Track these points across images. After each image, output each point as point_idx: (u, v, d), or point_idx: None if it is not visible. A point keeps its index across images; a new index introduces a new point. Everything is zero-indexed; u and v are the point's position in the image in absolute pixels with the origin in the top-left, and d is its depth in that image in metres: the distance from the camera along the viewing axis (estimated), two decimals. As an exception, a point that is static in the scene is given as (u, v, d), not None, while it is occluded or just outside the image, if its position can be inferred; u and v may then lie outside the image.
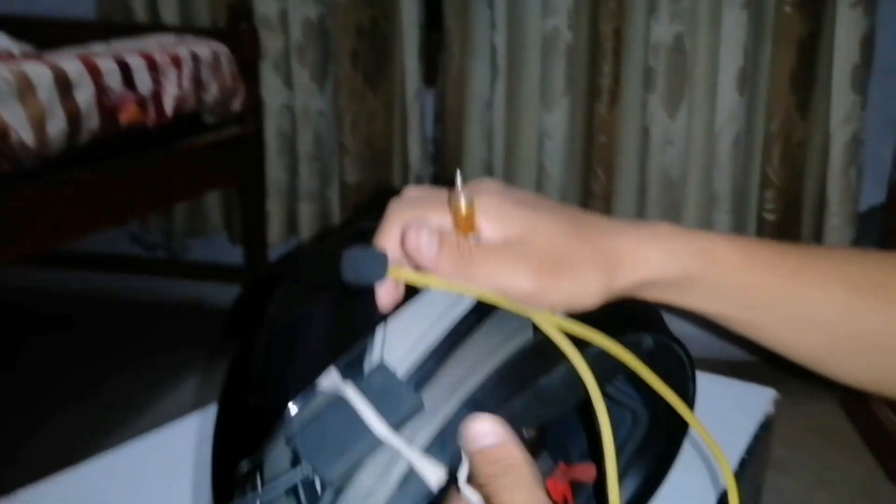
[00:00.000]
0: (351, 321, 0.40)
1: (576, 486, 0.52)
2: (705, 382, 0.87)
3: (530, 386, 0.38)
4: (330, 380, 0.37)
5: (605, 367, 0.40)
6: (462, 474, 0.35)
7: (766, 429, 0.79)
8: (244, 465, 0.37)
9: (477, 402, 0.37)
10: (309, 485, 0.36)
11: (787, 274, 0.42)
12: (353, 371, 0.37)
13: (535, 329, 0.39)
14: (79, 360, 1.62)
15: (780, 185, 1.42)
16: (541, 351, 0.39)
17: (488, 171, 1.54)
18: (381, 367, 0.36)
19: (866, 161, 1.41)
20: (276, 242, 1.67)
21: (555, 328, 0.38)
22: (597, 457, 0.53)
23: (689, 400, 0.50)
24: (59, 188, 1.08)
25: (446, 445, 0.36)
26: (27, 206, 1.04)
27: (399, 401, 0.34)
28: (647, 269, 0.39)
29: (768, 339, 0.44)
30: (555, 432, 0.54)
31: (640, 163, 1.48)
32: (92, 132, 1.09)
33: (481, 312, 0.39)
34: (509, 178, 1.52)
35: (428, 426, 0.36)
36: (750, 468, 0.73)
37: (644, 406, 0.50)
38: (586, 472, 0.51)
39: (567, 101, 1.47)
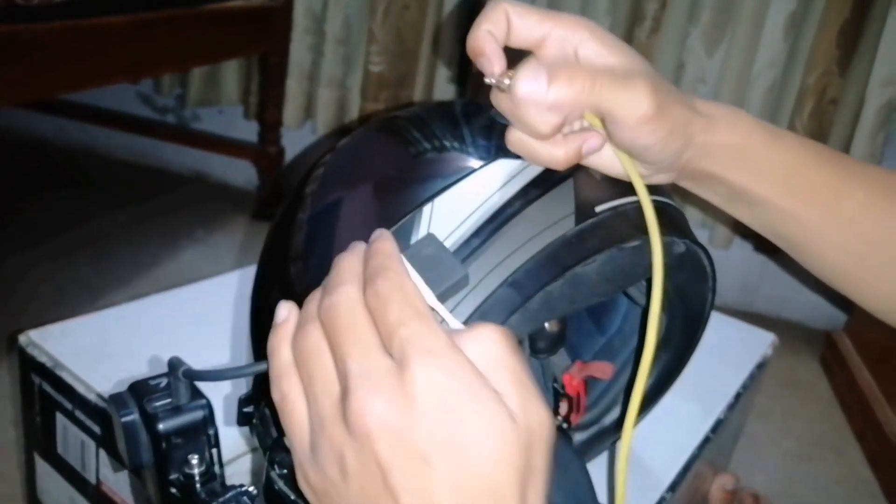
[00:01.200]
0: (399, 198, 0.41)
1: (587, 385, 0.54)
2: (715, 320, 0.89)
3: (567, 273, 0.39)
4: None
5: (633, 267, 0.42)
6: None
7: (761, 368, 0.81)
8: None
9: (518, 283, 0.38)
10: None
11: (835, 171, 0.43)
12: (401, 240, 0.37)
13: (577, 219, 0.40)
14: (78, 215, 1.61)
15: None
16: (581, 240, 0.40)
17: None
18: (430, 236, 0.36)
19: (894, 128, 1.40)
20: (291, 125, 1.64)
21: (634, 171, 0.39)
22: (610, 357, 0.55)
23: (707, 308, 0.52)
24: (82, 29, 1.05)
25: (486, 321, 0.36)
26: (46, 43, 1.00)
27: (446, 270, 0.34)
28: (719, 126, 0.41)
29: (806, 237, 0.44)
30: (570, 335, 0.56)
31: (670, 97, 1.45)
32: (124, -23, 1.05)
33: (527, 196, 0.40)
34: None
35: (469, 299, 0.37)
36: (741, 402, 0.75)
37: (663, 310, 0.50)
38: (602, 369, 0.53)
39: (608, 20, 1.43)
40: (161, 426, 0.36)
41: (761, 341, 0.84)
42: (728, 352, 0.81)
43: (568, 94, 0.37)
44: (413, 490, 0.28)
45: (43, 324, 0.63)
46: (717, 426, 0.68)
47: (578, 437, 0.55)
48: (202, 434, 0.38)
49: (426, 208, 0.39)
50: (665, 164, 0.41)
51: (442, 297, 0.35)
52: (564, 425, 0.51)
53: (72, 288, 1.32)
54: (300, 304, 0.33)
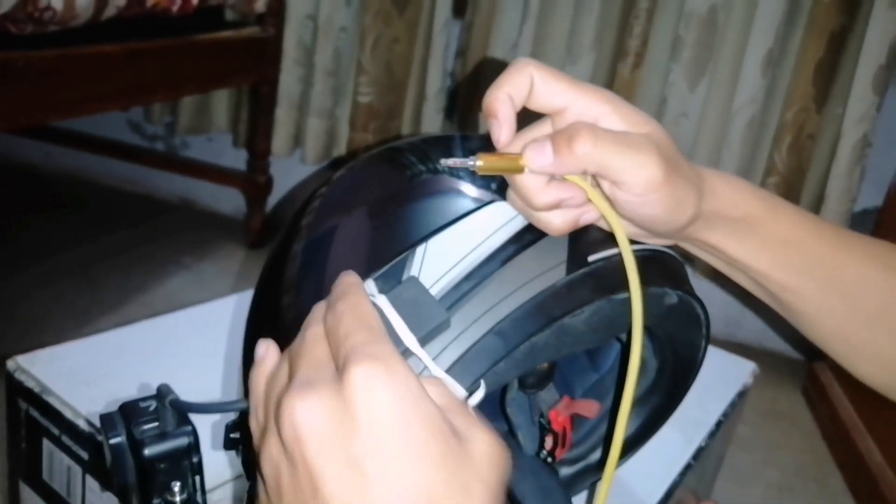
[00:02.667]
0: (393, 235, 0.41)
1: (576, 421, 0.55)
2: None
3: (555, 323, 0.39)
4: (368, 287, 0.38)
5: (621, 317, 0.41)
6: None
7: (742, 396, 0.82)
8: None
9: (503, 332, 0.38)
10: None
11: (834, 243, 0.43)
12: (389, 283, 0.38)
13: (569, 268, 0.40)
14: (65, 241, 1.61)
15: (784, 174, 1.44)
16: (570, 291, 0.40)
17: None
18: (412, 280, 0.36)
19: (869, 163, 1.43)
20: (280, 153, 1.66)
21: (616, 222, 0.38)
22: (601, 394, 0.56)
23: (699, 356, 0.52)
24: (75, 58, 1.06)
25: (469, 369, 0.37)
26: (39, 71, 1.01)
27: (428, 315, 0.35)
28: (721, 200, 0.40)
29: (803, 307, 0.44)
30: (563, 368, 0.56)
31: (653, 130, 1.48)
32: (118, 8, 1.07)
33: (520, 242, 0.40)
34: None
35: (454, 347, 0.37)
36: (722, 431, 0.77)
37: (654, 356, 0.51)
38: (589, 407, 0.54)
39: (593, 56, 1.46)
40: (146, 451, 0.37)
41: (742, 370, 0.86)
42: (709, 380, 0.81)
43: (570, 161, 0.36)
44: (345, 499, 0.26)
45: (29, 349, 0.63)
46: (699, 453, 0.69)
47: (565, 471, 0.56)
48: (186, 461, 0.38)
49: (419, 249, 0.39)
50: (668, 234, 0.41)
51: (423, 342, 0.35)
52: (549, 459, 0.51)
53: (58, 313, 1.32)
54: (291, 335, 0.34)
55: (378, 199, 0.44)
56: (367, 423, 0.27)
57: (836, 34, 1.36)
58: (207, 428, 0.52)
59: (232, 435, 0.44)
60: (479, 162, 0.37)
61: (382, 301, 0.36)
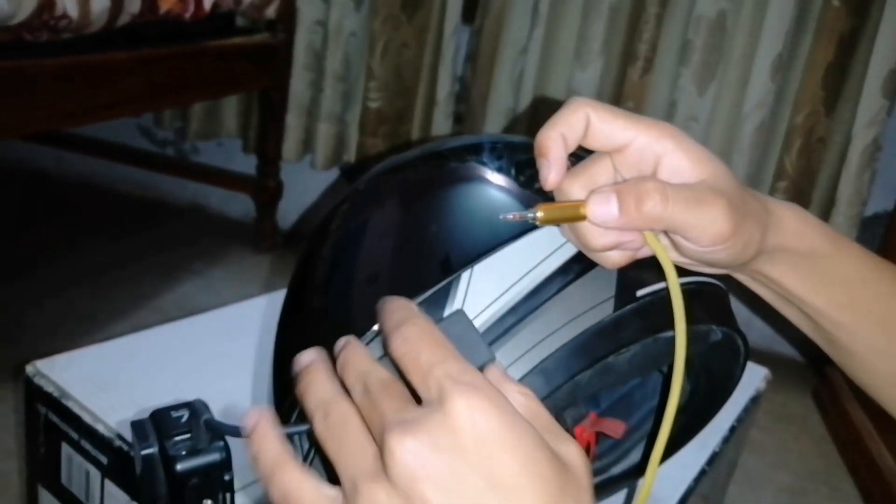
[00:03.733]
0: (433, 257, 0.40)
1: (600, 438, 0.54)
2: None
3: (600, 363, 0.38)
4: None
5: (665, 355, 0.40)
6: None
7: (755, 402, 0.82)
8: None
9: (546, 370, 0.37)
10: None
11: (893, 284, 0.43)
12: (433, 308, 0.37)
13: (616, 303, 0.39)
14: (77, 246, 1.62)
15: (794, 178, 1.44)
16: (617, 330, 0.39)
17: (512, 119, 1.55)
18: (460, 313, 0.35)
19: (879, 167, 1.43)
20: (290, 158, 1.67)
21: (675, 282, 0.37)
22: (627, 408, 0.56)
23: (733, 384, 0.52)
24: (88, 65, 1.07)
25: None
26: (53, 78, 1.03)
27: (473, 352, 0.33)
28: (787, 233, 0.39)
29: (857, 348, 0.43)
30: None
31: (662, 134, 1.49)
32: (132, 15, 1.08)
33: (569, 273, 0.39)
34: (532, 130, 1.52)
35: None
36: (736, 434, 0.77)
37: (688, 380, 0.51)
38: (615, 428, 0.53)
39: (602, 61, 1.46)
40: (179, 467, 0.36)
41: (755, 375, 0.86)
42: (722, 385, 0.82)
43: (637, 220, 0.35)
44: None
45: (41, 355, 0.63)
46: (713, 459, 0.69)
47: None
48: (218, 477, 0.38)
49: (464, 276, 0.38)
50: (728, 269, 0.40)
51: None
52: None
53: (70, 319, 1.33)
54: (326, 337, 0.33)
55: (414, 222, 0.42)
56: (480, 455, 0.27)
57: (845, 37, 1.36)
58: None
59: None
60: (540, 213, 0.35)
61: None
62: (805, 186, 1.46)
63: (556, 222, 0.37)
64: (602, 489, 0.56)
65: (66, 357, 0.63)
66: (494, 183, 0.42)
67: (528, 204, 0.39)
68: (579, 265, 0.39)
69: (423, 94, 1.62)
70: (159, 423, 0.37)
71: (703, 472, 0.66)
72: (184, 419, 0.37)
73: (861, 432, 1.26)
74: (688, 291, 0.38)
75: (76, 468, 0.59)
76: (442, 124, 1.59)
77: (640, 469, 0.55)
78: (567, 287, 0.39)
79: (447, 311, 0.37)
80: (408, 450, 0.27)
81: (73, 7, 0.96)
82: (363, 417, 0.29)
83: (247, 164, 1.77)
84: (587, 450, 0.52)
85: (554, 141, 0.36)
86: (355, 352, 0.32)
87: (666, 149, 0.36)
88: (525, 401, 0.30)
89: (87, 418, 0.57)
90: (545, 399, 0.37)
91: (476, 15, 1.56)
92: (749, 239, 0.37)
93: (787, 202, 0.41)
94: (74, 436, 0.58)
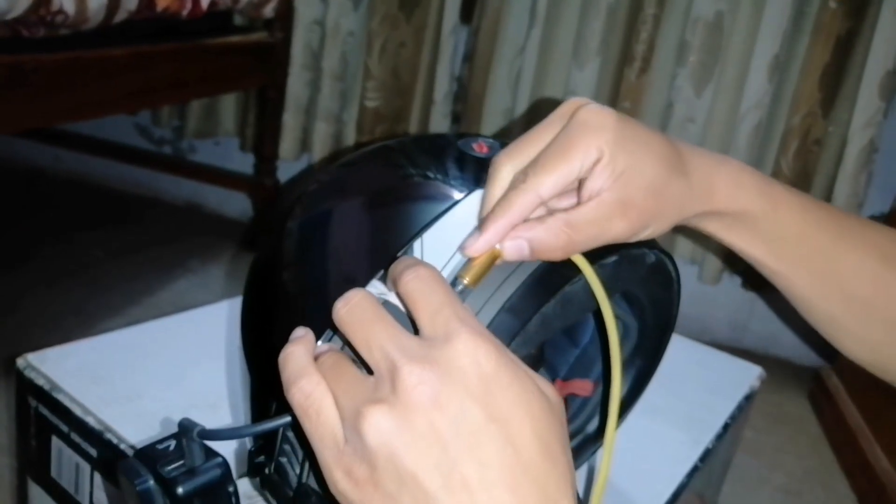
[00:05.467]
0: (389, 228, 0.42)
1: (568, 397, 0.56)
2: (701, 353, 0.91)
3: (559, 293, 0.40)
4: (374, 288, 0.39)
5: (614, 280, 0.43)
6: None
7: (749, 400, 0.82)
8: None
9: (514, 307, 0.39)
10: None
11: (835, 234, 0.45)
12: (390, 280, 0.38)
13: None
14: (73, 243, 1.62)
15: (791, 179, 1.44)
16: (564, 263, 0.41)
17: (509, 119, 1.55)
18: None
19: (876, 169, 1.43)
20: (287, 157, 1.67)
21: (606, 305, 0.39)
22: (586, 368, 0.57)
23: (674, 313, 0.54)
24: (85, 61, 1.07)
25: None
26: (50, 74, 1.02)
27: None
28: (717, 199, 0.42)
29: (798, 293, 0.46)
30: (545, 353, 0.57)
31: (659, 135, 1.49)
32: (129, 12, 1.08)
33: None
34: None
35: None
36: (730, 433, 0.76)
37: (635, 319, 0.53)
38: (583, 386, 0.55)
39: (599, 61, 1.46)
40: (181, 489, 0.35)
41: (749, 374, 0.86)
42: (716, 383, 0.82)
43: (551, 257, 0.38)
44: (476, 458, 0.28)
45: (34, 350, 0.63)
46: (706, 455, 0.69)
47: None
48: (222, 492, 0.37)
49: (415, 245, 0.40)
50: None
51: None
52: None
53: (65, 315, 1.32)
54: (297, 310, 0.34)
55: (366, 203, 0.44)
56: (483, 390, 0.29)
57: (842, 39, 1.36)
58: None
59: (258, 460, 0.43)
60: (467, 281, 0.37)
61: (395, 299, 0.36)
62: (801, 187, 1.45)
63: (483, 276, 0.39)
64: (582, 449, 0.56)
65: (58, 350, 0.63)
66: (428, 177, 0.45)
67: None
68: None
69: (421, 94, 1.62)
70: (148, 458, 0.36)
71: (695, 469, 0.66)
72: (171, 448, 0.37)
73: (856, 433, 1.26)
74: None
75: (66, 461, 0.59)
76: (439, 124, 1.59)
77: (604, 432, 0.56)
78: None
79: None
80: (421, 380, 0.29)
81: (69, 3, 0.96)
82: (358, 344, 0.32)
83: (244, 163, 1.77)
84: None
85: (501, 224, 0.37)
86: (357, 307, 0.33)
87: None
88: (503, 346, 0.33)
89: (77, 411, 0.57)
90: (518, 335, 0.39)
91: (474, 14, 1.56)
92: (658, 229, 0.40)
93: (727, 161, 0.43)
94: (65, 429, 0.58)
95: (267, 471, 0.39)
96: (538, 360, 0.53)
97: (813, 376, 1.48)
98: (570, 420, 0.56)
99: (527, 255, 0.37)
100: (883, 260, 0.45)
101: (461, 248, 0.38)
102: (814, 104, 1.40)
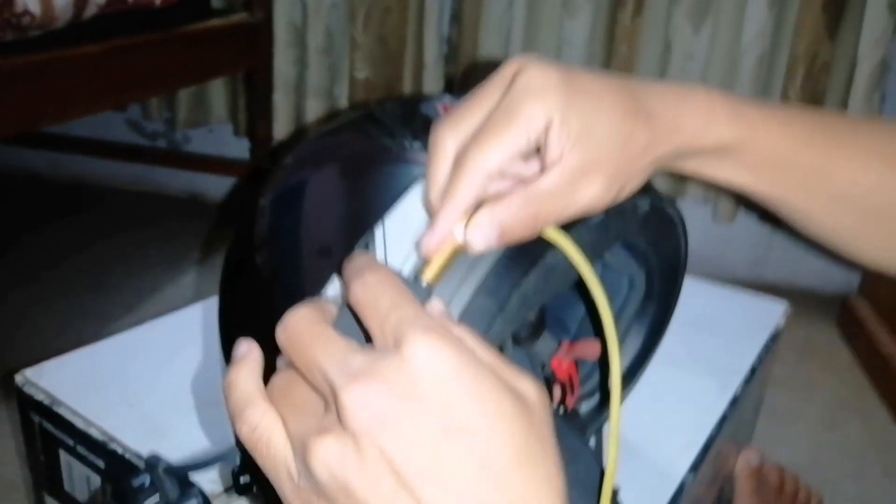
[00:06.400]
0: (355, 206, 0.39)
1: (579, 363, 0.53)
2: (722, 294, 0.88)
3: (539, 264, 0.37)
4: (335, 288, 0.36)
5: (601, 238, 0.41)
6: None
7: (775, 339, 0.79)
8: None
9: (490, 289, 0.36)
10: None
11: (824, 147, 0.41)
12: None
13: None
14: (77, 245, 1.61)
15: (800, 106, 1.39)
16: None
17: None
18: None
19: (888, 89, 1.37)
20: (282, 137, 1.63)
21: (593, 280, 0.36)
22: (597, 329, 0.54)
23: (683, 256, 0.52)
24: (62, 62, 1.04)
25: None
26: (24, 77, 0.99)
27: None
28: (682, 135, 0.38)
29: (794, 214, 0.44)
30: (553, 310, 0.55)
31: (660, 76, 1.44)
32: (98, 6, 1.04)
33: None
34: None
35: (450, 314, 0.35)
36: (758, 375, 0.74)
37: (640, 267, 0.50)
38: (589, 348, 0.52)
39: (590, 7, 1.41)
40: None
41: (773, 311, 0.83)
42: (740, 325, 0.79)
43: (521, 238, 0.35)
44: (436, 478, 0.25)
45: (49, 355, 0.62)
46: (735, 402, 0.66)
47: (583, 407, 0.54)
48: None
49: (377, 233, 0.37)
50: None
51: None
52: (561, 411, 0.49)
53: (75, 318, 1.31)
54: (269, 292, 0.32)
55: (338, 165, 0.42)
56: (440, 399, 0.26)
57: (843, -46, 1.30)
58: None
59: (243, 480, 0.41)
60: (428, 277, 0.33)
61: None
62: (812, 114, 1.40)
63: (445, 270, 0.35)
64: (601, 410, 0.54)
65: (56, 362, 0.62)
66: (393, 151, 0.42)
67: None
68: None
69: (411, 60, 1.57)
70: (125, 495, 0.35)
71: (724, 418, 0.64)
72: (146, 483, 0.35)
73: (889, 358, 1.22)
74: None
75: (77, 475, 0.57)
76: (433, 87, 1.55)
77: (626, 385, 0.55)
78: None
79: None
80: (364, 401, 0.25)
81: (34, 3, 0.92)
82: (303, 367, 0.28)
83: (240, 148, 1.74)
84: (570, 381, 0.50)
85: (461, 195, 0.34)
86: (295, 323, 0.30)
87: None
88: (471, 340, 0.29)
89: (79, 424, 0.55)
90: (497, 317, 0.36)
91: (456, -29, 1.50)
92: (634, 184, 0.37)
93: (693, 92, 0.39)
94: (70, 442, 0.56)
95: (253, 489, 0.37)
96: (540, 323, 0.50)
97: (840, 304, 1.45)
98: (581, 382, 0.53)
99: (494, 242, 0.34)
100: (886, 162, 0.42)
101: (417, 246, 0.35)
102: (819, 27, 1.34)
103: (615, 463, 0.37)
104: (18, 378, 0.60)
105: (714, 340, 0.75)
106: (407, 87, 1.59)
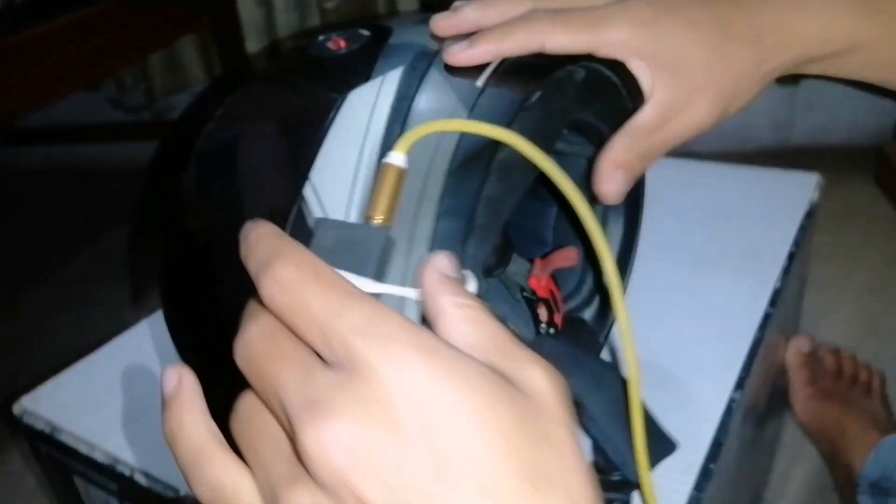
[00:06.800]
0: (273, 184, 0.34)
1: (558, 277, 0.48)
2: (747, 177, 0.81)
3: (493, 165, 0.32)
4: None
5: (551, 118, 0.37)
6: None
7: (811, 217, 0.73)
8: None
9: (452, 207, 0.31)
10: None
11: None
12: (301, 239, 0.31)
13: (466, 104, 0.33)
14: (88, 235, 1.58)
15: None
16: (489, 117, 0.33)
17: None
18: (320, 222, 0.29)
19: None
20: (263, 87, 1.56)
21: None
22: (570, 233, 0.49)
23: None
24: (12, 48, 0.98)
25: None
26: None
27: (364, 246, 0.27)
28: (805, 44, 0.37)
29: None
30: (517, 229, 0.49)
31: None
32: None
33: (401, 109, 0.33)
34: None
35: (414, 257, 0.30)
36: (797, 259, 0.68)
37: (595, 149, 0.44)
38: (566, 257, 0.47)
39: None
40: None
41: (804, 186, 0.76)
42: (771, 208, 0.73)
43: (640, 170, 0.38)
44: None
45: (67, 362, 0.60)
46: (776, 298, 0.61)
47: (587, 314, 0.50)
48: None
49: (307, 191, 0.32)
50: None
51: (379, 276, 0.28)
52: (552, 330, 0.44)
53: (94, 313, 1.30)
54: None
55: (248, 159, 0.36)
56: (420, 426, 0.20)
57: None
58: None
59: None
60: (380, 217, 0.28)
61: None
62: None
63: (395, 200, 0.29)
64: (605, 317, 0.49)
65: (51, 386, 0.58)
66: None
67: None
68: (406, 100, 0.33)
69: (380, -22, 1.47)
70: None
71: (767, 317, 0.59)
72: None
73: (936, 205, 1.15)
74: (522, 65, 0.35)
75: (96, 499, 0.55)
76: (409, 5, 1.45)
77: (623, 275, 0.49)
78: (406, 124, 0.33)
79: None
80: (326, 440, 0.20)
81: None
82: (261, 393, 0.23)
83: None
84: (553, 298, 0.45)
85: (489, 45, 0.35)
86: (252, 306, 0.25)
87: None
88: (466, 314, 0.23)
89: (83, 448, 0.52)
90: (470, 237, 0.31)
91: None
92: (741, 102, 0.37)
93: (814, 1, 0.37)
94: (80, 467, 0.54)
95: None
96: (506, 247, 0.45)
97: (876, 155, 1.36)
98: (571, 296, 0.49)
99: (627, 186, 0.37)
100: None
101: (444, 54, 0.34)
102: None
103: (636, 368, 0.32)
104: (16, 409, 0.57)
105: (744, 230, 0.69)
106: (382, 8, 1.49)
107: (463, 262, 0.30)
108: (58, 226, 1.65)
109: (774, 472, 0.85)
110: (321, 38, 0.38)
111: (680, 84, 0.35)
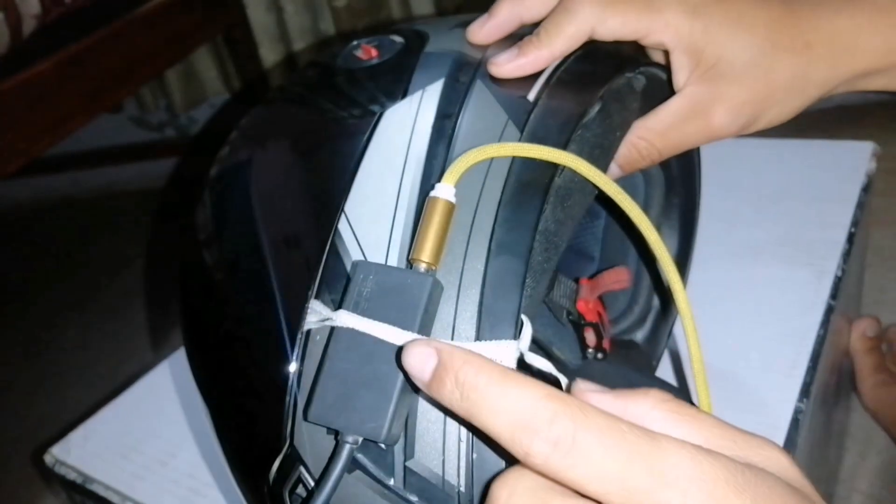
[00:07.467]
0: (305, 220, 0.30)
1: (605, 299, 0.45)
2: (800, 149, 0.75)
3: (550, 191, 0.28)
4: (315, 316, 0.28)
5: (607, 136, 0.33)
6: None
7: (867, 190, 0.68)
8: (277, 468, 0.29)
9: (503, 244, 0.27)
10: (370, 448, 0.27)
11: None
12: (336, 287, 0.27)
13: (515, 120, 0.29)
14: (123, 260, 1.58)
15: None
16: (540, 140, 0.29)
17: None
18: (363, 266, 0.26)
19: None
20: (282, 92, 1.54)
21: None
22: (624, 253, 0.45)
23: None
24: (27, 82, 0.97)
25: (499, 314, 0.26)
26: (9, 104, 0.93)
27: (409, 292, 0.25)
28: (866, 58, 0.34)
29: None
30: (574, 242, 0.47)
31: None
32: (36, 17, 0.95)
33: (444, 130, 0.29)
34: None
35: (465, 302, 0.26)
36: (858, 238, 0.63)
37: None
38: (617, 279, 0.44)
39: None
40: None
41: (858, 155, 0.70)
42: (824, 185, 0.67)
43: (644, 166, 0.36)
44: None
45: (96, 399, 0.58)
46: (837, 287, 0.56)
47: (639, 335, 0.47)
48: None
49: (342, 225, 0.28)
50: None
51: (425, 327, 0.25)
52: (600, 356, 0.41)
53: (134, 336, 1.30)
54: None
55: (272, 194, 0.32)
56: None
57: None
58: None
59: None
60: (426, 259, 0.26)
61: (346, 317, 0.26)
62: None
63: (444, 241, 0.27)
64: (657, 335, 0.47)
65: (81, 433, 0.57)
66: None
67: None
68: (448, 119, 0.30)
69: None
70: None
71: (830, 310, 0.54)
72: None
73: None
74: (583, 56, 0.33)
75: (134, 547, 0.53)
76: (421, 4, 1.41)
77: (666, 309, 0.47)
78: (452, 145, 0.29)
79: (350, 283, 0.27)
80: None
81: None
82: None
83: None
84: (600, 321, 0.42)
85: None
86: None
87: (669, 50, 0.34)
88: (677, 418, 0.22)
89: (115, 499, 0.50)
90: (528, 275, 0.27)
91: None
92: (778, 115, 0.35)
93: (871, 5, 0.33)
94: (114, 517, 0.52)
95: None
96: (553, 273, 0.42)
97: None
98: (621, 317, 0.46)
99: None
100: None
101: (490, 64, 0.31)
102: None
103: (706, 389, 0.29)
104: (48, 458, 0.56)
105: (795, 211, 0.64)
106: (394, 3, 1.45)
107: (526, 310, 0.27)
108: (87, 256, 1.66)
109: (843, 465, 0.80)
110: (348, 46, 0.35)
111: (713, 88, 0.33)
